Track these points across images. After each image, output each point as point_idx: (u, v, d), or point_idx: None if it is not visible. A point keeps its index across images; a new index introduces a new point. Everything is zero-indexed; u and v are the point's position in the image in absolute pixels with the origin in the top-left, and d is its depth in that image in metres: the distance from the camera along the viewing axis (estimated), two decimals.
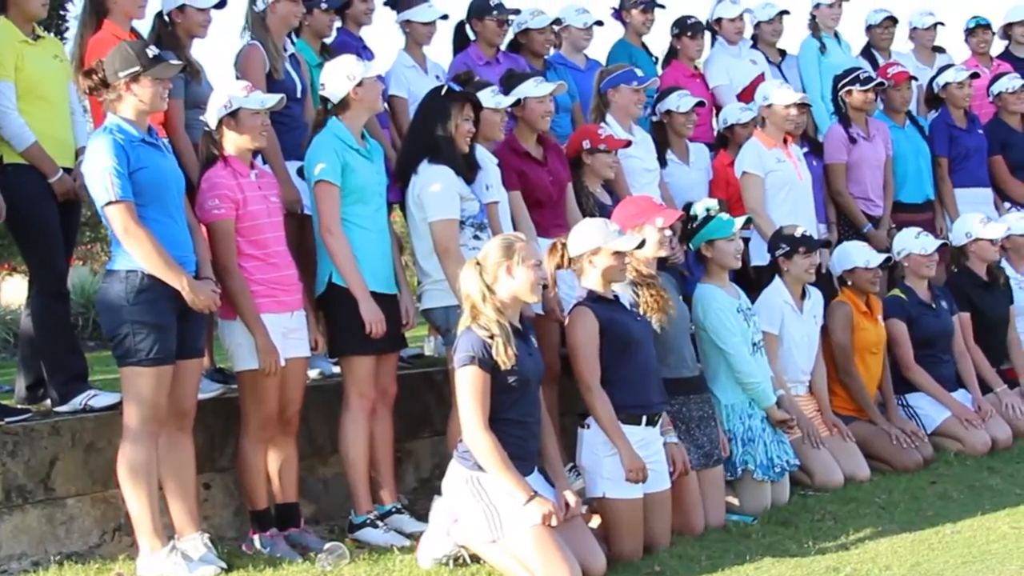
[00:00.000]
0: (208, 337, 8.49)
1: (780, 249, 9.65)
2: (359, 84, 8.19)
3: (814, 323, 9.83)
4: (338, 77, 8.25)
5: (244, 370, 7.79)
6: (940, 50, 13.41)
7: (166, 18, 8.95)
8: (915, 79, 12.09)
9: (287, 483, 8.07)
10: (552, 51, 11.40)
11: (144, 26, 8.96)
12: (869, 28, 12.96)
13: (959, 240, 11.10)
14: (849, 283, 10.15)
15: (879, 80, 11.48)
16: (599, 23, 11.71)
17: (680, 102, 10.64)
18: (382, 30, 11.06)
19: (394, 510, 8.33)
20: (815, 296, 9.86)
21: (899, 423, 9.96)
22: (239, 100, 7.78)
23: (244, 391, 7.88)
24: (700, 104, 10.81)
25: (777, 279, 9.69)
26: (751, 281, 9.81)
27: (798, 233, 9.69)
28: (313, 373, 9.18)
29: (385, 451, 8.38)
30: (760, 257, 10.28)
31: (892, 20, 12.92)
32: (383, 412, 8.36)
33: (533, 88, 9.27)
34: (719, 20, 12.24)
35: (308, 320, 8.09)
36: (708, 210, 9.08)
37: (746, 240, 10.00)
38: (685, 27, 11.95)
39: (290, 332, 7.89)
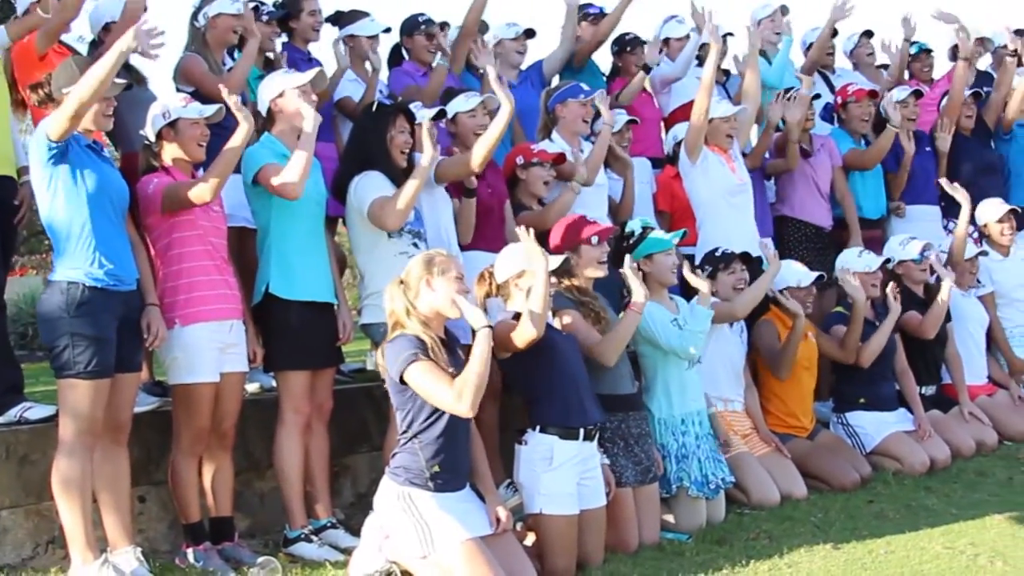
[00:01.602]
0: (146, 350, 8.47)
1: (704, 271, 9.65)
2: (279, 95, 8.22)
3: (740, 342, 9.89)
4: (263, 92, 8.33)
5: (178, 384, 7.79)
6: (886, 67, 13.53)
7: (98, 41, 9.03)
8: (875, 94, 12.15)
9: (221, 497, 8.06)
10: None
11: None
12: (809, 47, 13.03)
13: (891, 264, 11.15)
14: (782, 303, 10.07)
15: (815, 93, 11.60)
16: (530, 33, 11.70)
17: (618, 118, 10.64)
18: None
19: (329, 525, 8.32)
20: (741, 323, 9.95)
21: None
22: (177, 111, 7.79)
23: (178, 405, 7.88)
24: (632, 122, 10.84)
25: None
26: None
27: (718, 252, 9.77)
28: (253, 387, 9.18)
29: (320, 466, 8.37)
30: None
31: (870, 35, 13.14)
32: (318, 427, 8.36)
33: (464, 103, 9.34)
34: (667, 40, 12.29)
35: (247, 334, 8.08)
36: (644, 226, 9.10)
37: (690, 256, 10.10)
38: (624, 43, 12.05)
39: (228, 347, 7.89)
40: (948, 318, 11.20)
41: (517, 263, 7.88)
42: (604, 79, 12.03)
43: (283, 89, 8.23)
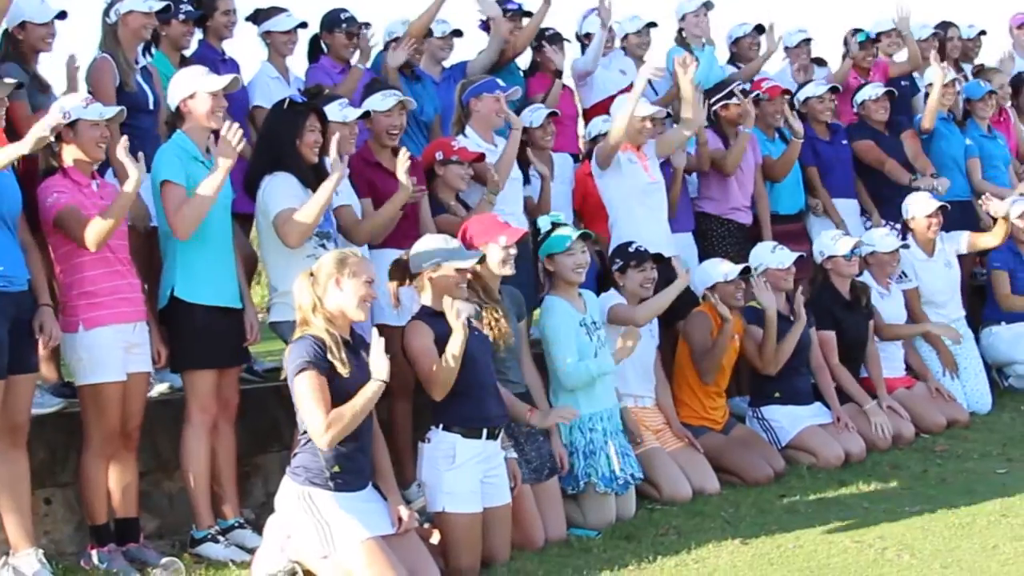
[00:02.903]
0: (55, 351, 8.44)
1: (615, 264, 9.69)
2: (190, 96, 8.19)
3: (650, 337, 9.87)
4: (174, 89, 8.28)
5: (85, 384, 7.77)
6: (820, 62, 13.57)
7: (9, 35, 8.92)
8: (788, 92, 12.20)
9: (127, 498, 8.04)
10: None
11: None
12: (736, 40, 13.07)
13: (818, 258, 11.20)
14: (712, 299, 10.11)
15: (755, 93, 11.68)
16: (457, 33, 11.76)
17: (533, 116, 10.67)
18: (249, 44, 10.93)
19: (237, 525, 8.32)
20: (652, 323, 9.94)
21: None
22: (77, 111, 7.75)
23: (86, 406, 7.85)
24: (553, 115, 10.83)
25: (612, 290, 9.73)
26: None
27: (632, 248, 9.73)
28: (163, 387, 9.15)
29: (227, 465, 8.36)
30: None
31: (759, 30, 13.03)
32: (224, 426, 8.34)
33: (380, 102, 9.32)
34: (588, 34, 12.30)
35: (151, 334, 8.06)
36: (552, 223, 9.11)
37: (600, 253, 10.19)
38: (543, 37, 11.99)
39: (133, 347, 7.88)
40: (870, 316, 11.26)
41: (433, 255, 7.88)
42: (522, 76, 12.01)
43: (195, 91, 8.21)
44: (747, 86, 11.87)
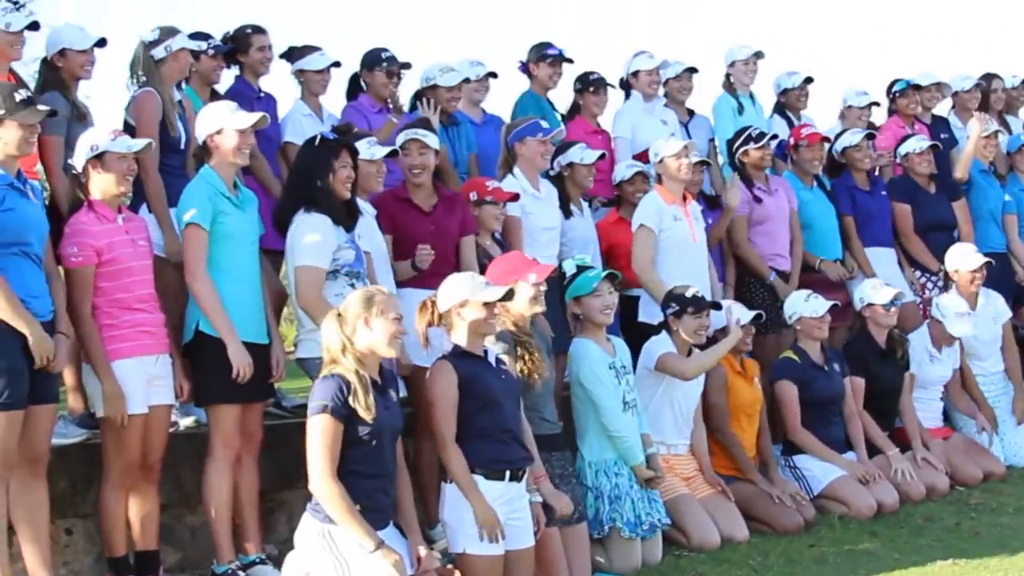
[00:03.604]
0: (79, 382, 8.43)
1: (670, 308, 9.64)
2: (217, 132, 8.18)
3: (696, 385, 9.79)
4: (202, 123, 8.28)
5: (107, 416, 7.72)
6: (871, 126, 13.47)
7: (50, 62, 8.94)
8: (828, 140, 12.11)
9: (147, 530, 7.99)
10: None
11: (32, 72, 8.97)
12: (784, 91, 12.98)
13: (857, 305, 11.10)
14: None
15: (772, 134, 11.64)
16: (493, 75, 11.77)
17: (583, 155, 10.66)
18: (283, 79, 10.95)
19: (258, 560, 8.25)
20: None
21: (780, 484, 9.92)
22: (105, 144, 7.74)
23: (106, 437, 7.82)
24: (602, 157, 10.84)
25: (664, 334, 9.69)
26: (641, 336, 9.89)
27: (689, 293, 9.68)
28: (188, 421, 9.12)
29: (249, 500, 8.31)
30: (648, 314, 10.31)
31: (809, 80, 12.96)
32: (248, 460, 8.30)
33: (399, 139, 9.45)
34: (635, 73, 12.26)
35: (174, 367, 8.03)
36: (577, 265, 9.06)
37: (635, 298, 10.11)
38: (587, 83, 11.99)
39: (155, 379, 7.86)
40: (906, 367, 11.15)
41: (461, 291, 7.82)
42: (559, 119, 11.98)
43: (222, 127, 8.20)
44: (765, 130, 11.82)
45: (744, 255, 11.51)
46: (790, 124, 12.64)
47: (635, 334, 10.09)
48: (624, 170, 11.11)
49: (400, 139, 9.46)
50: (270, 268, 8.97)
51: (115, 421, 7.63)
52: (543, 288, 8.41)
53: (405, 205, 9.36)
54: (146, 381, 7.77)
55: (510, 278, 8.29)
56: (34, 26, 8.81)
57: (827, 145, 12.12)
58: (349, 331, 7.16)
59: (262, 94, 10.41)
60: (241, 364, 7.95)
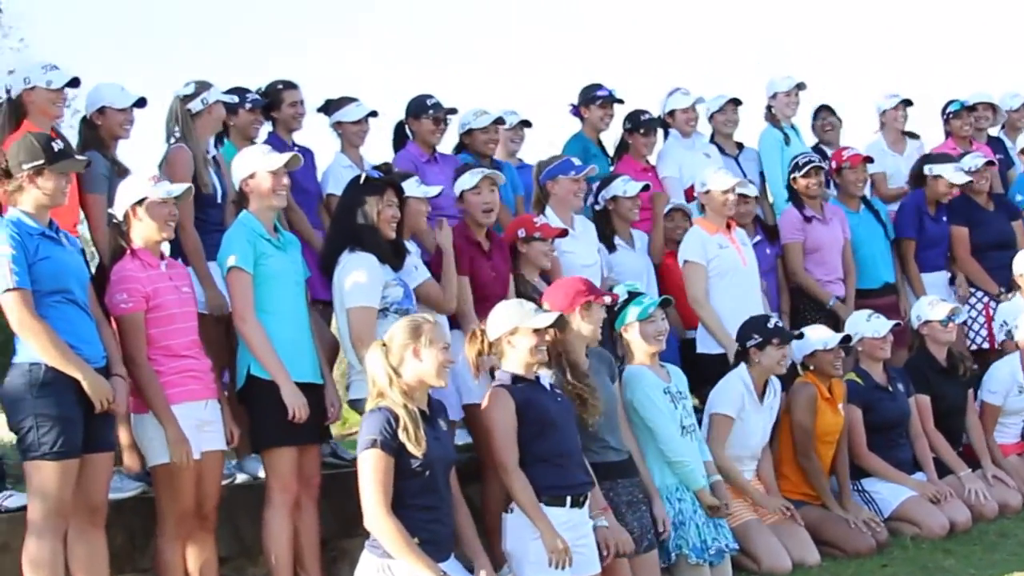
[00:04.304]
0: (133, 440, 8.36)
1: (752, 339, 9.52)
2: (251, 176, 8.17)
3: (771, 416, 9.68)
4: (235, 170, 8.31)
5: (158, 464, 7.65)
6: (913, 135, 13.33)
7: (89, 121, 8.96)
8: (870, 160, 12.01)
9: None
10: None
11: (72, 131, 8.99)
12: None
13: (914, 323, 10.96)
14: (811, 367, 9.99)
15: (814, 163, 11.50)
16: (527, 123, 11.75)
17: (626, 187, 10.64)
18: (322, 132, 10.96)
19: None
20: (776, 390, 9.74)
21: (854, 510, 9.74)
22: (145, 190, 7.71)
23: (159, 486, 7.74)
24: (645, 188, 10.77)
25: (742, 366, 9.57)
26: (698, 370, 9.77)
27: (771, 324, 9.60)
28: (244, 477, 9.04)
29: (310, 545, 8.19)
30: (706, 345, 10.19)
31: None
32: (307, 504, 8.19)
33: (468, 180, 9.36)
34: (671, 112, 12.18)
35: (223, 412, 7.96)
36: (630, 291, 8.97)
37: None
38: (638, 124, 11.89)
39: (205, 424, 7.76)
40: (969, 384, 10.98)
41: (511, 319, 7.76)
42: (607, 158, 11.92)
43: (254, 171, 8.19)
44: (815, 157, 11.71)
45: (801, 282, 11.41)
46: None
47: (693, 370, 9.94)
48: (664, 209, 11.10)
49: (474, 179, 9.37)
50: (320, 319, 8.91)
51: (181, 465, 7.53)
52: (603, 315, 8.42)
53: (476, 247, 9.30)
54: (196, 427, 7.67)
55: (584, 299, 8.26)
56: (75, 83, 8.80)
57: (869, 166, 12.02)
58: (396, 362, 7.10)
59: (296, 149, 10.34)
60: (295, 404, 7.87)
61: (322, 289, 8.78)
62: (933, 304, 10.92)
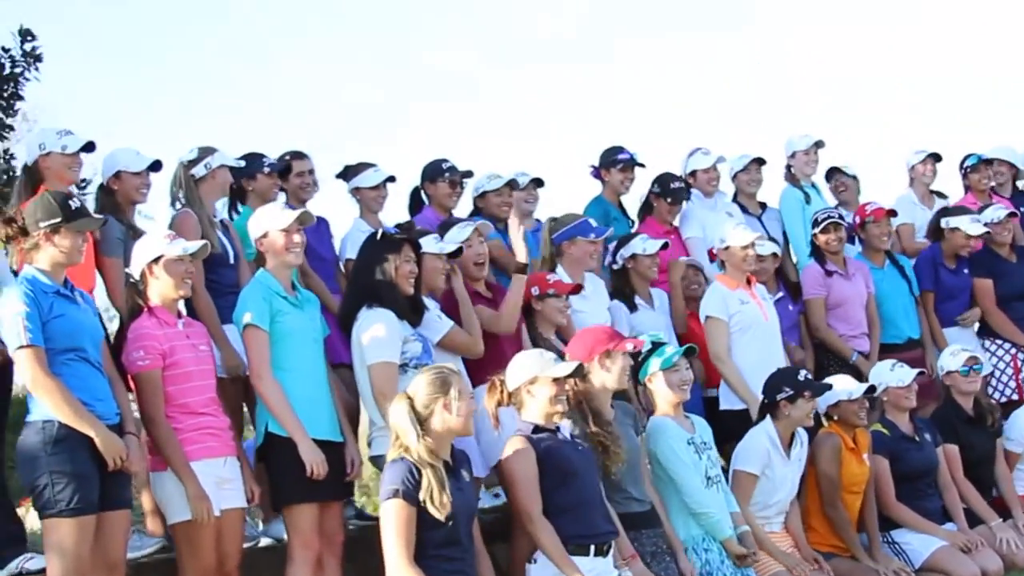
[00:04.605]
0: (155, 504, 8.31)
1: (783, 392, 9.43)
2: (263, 235, 8.20)
3: (799, 467, 9.59)
4: (250, 230, 8.36)
5: (178, 522, 7.60)
6: (941, 195, 13.29)
7: (106, 186, 9.01)
8: (894, 214, 11.98)
9: None
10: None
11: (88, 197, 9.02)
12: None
13: (939, 374, 10.93)
14: (835, 418, 9.93)
15: (832, 219, 11.50)
16: (539, 182, 11.67)
17: (645, 245, 10.62)
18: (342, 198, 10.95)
19: None
20: (803, 441, 9.64)
21: (884, 561, 9.63)
22: (161, 247, 7.73)
23: (180, 545, 7.70)
24: (664, 246, 10.76)
25: (768, 420, 9.47)
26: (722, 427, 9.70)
27: (802, 376, 9.54)
28: (267, 541, 8.99)
29: None
30: (729, 402, 10.13)
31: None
32: (331, 562, 8.11)
33: (457, 232, 9.35)
34: (693, 172, 12.16)
35: (243, 470, 7.91)
36: (653, 341, 8.93)
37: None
38: (667, 191, 11.74)
39: (224, 482, 7.72)
40: (998, 434, 10.90)
41: (530, 368, 7.74)
42: (628, 220, 11.89)
43: (267, 230, 8.21)
44: (833, 213, 11.73)
45: (824, 338, 11.39)
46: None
47: (716, 427, 9.83)
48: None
49: (464, 232, 9.37)
50: (340, 383, 8.85)
51: (201, 521, 7.48)
52: (631, 361, 8.40)
53: (477, 298, 9.27)
54: (216, 484, 7.64)
55: (605, 347, 8.25)
56: (90, 147, 8.82)
57: (893, 219, 11.97)
58: (423, 414, 7.06)
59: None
60: (313, 461, 7.82)
61: (345, 352, 8.72)
62: (954, 354, 10.88)
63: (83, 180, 9.32)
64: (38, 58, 17.28)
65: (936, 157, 13.14)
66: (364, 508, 9.86)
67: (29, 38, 17.19)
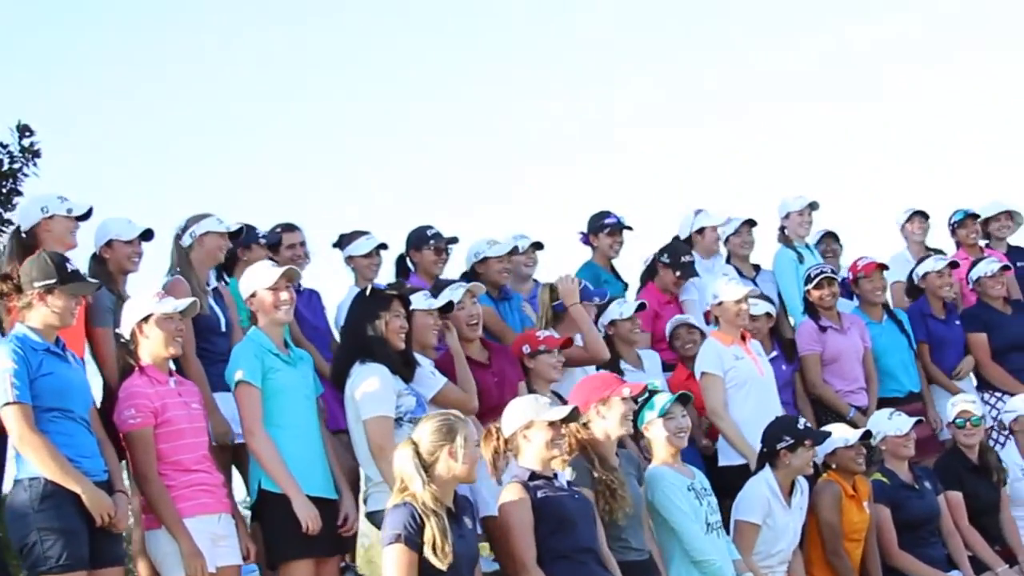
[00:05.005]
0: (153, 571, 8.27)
1: (783, 441, 9.39)
2: (252, 295, 8.24)
3: (800, 515, 9.53)
4: (241, 291, 8.43)
5: None
6: (938, 252, 13.27)
7: (97, 255, 9.03)
8: (885, 267, 11.98)
9: None
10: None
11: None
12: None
13: (941, 424, 10.98)
14: (833, 466, 9.88)
15: (825, 275, 11.50)
16: (539, 246, 11.66)
17: (622, 309, 10.60)
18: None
19: None
20: (804, 489, 9.59)
21: None
22: (150, 306, 7.74)
23: None
24: (641, 307, 10.75)
25: (767, 469, 9.42)
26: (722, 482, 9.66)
27: (801, 424, 9.53)
28: None
29: None
30: (727, 457, 10.11)
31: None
32: None
33: (449, 293, 9.28)
34: (701, 230, 12.21)
35: (238, 527, 7.89)
36: (649, 390, 8.90)
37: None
38: (677, 264, 11.58)
39: (219, 539, 7.71)
40: (1004, 482, 10.84)
41: (525, 413, 7.75)
42: (621, 284, 11.90)
43: (255, 290, 8.25)
44: (826, 268, 11.77)
45: (820, 394, 11.34)
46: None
47: (715, 482, 9.78)
48: (669, 327, 11.06)
49: (456, 294, 9.33)
50: (340, 446, 8.82)
51: None
52: (633, 407, 8.35)
53: (470, 362, 9.22)
54: (211, 541, 7.62)
55: (600, 395, 8.24)
56: (88, 214, 8.85)
57: (886, 273, 11.98)
58: (428, 460, 7.04)
59: (303, 290, 10.22)
60: (307, 517, 7.79)
61: (343, 417, 8.67)
62: (954, 404, 10.89)
63: None
64: (36, 153, 17.42)
65: (923, 215, 13.19)
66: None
67: (27, 133, 17.35)
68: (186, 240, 9.28)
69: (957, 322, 12.19)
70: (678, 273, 11.59)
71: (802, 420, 9.69)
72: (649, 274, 11.91)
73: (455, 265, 11.07)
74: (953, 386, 11.77)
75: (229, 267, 9.95)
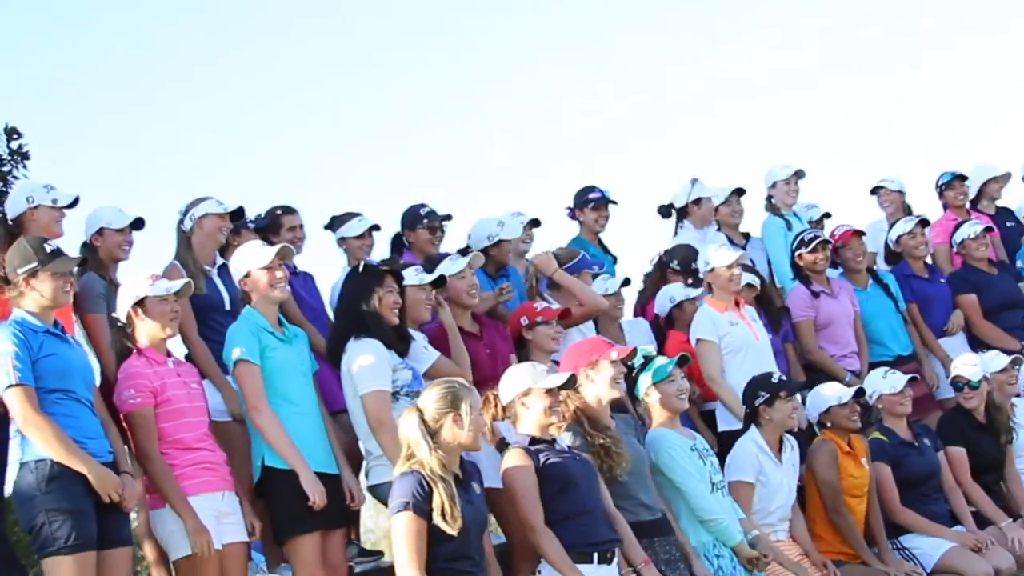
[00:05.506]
0: (160, 554, 8.31)
1: (759, 397, 9.44)
2: (246, 275, 8.25)
3: (793, 471, 9.56)
4: (233, 270, 8.45)
5: (180, 558, 7.61)
6: (924, 223, 13.30)
7: (89, 244, 9.05)
8: (863, 233, 12.02)
9: None
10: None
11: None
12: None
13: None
14: (828, 425, 9.93)
15: (821, 238, 11.55)
16: (535, 223, 11.68)
17: (607, 285, 10.61)
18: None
19: None
20: (793, 445, 9.63)
21: (895, 565, 9.60)
22: (144, 289, 7.76)
23: None
24: (626, 283, 10.85)
25: (753, 428, 9.46)
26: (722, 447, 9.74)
27: (775, 378, 9.53)
28: None
29: None
30: (727, 422, 10.15)
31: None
32: None
33: (450, 265, 9.31)
34: (698, 200, 12.29)
35: (243, 505, 7.91)
36: (644, 356, 8.93)
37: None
38: (687, 270, 11.47)
39: (224, 516, 7.73)
40: (1010, 439, 10.85)
41: (523, 381, 7.77)
42: (612, 258, 11.94)
43: (248, 270, 8.26)
44: (820, 233, 11.87)
45: (815, 359, 11.37)
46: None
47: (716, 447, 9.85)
48: (683, 291, 11.04)
49: (458, 265, 9.39)
50: (339, 428, 8.83)
51: (202, 555, 7.47)
52: (623, 369, 8.35)
53: (463, 334, 9.25)
54: (215, 518, 7.64)
55: (589, 360, 8.25)
56: (75, 203, 8.91)
57: (864, 238, 12.02)
58: (432, 427, 7.05)
59: (298, 272, 10.28)
60: (315, 491, 7.80)
61: (342, 397, 8.67)
62: (955, 368, 10.94)
63: None
64: (25, 156, 17.45)
65: (874, 190, 13.38)
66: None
67: (15, 136, 17.39)
68: (187, 224, 9.28)
69: (942, 280, 12.27)
70: (690, 281, 11.55)
71: (776, 374, 9.67)
72: (657, 276, 11.88)
73: (450, 242, 11.09)
74: (940, 350, 11.83)
75: (221, 252, 9.94)
